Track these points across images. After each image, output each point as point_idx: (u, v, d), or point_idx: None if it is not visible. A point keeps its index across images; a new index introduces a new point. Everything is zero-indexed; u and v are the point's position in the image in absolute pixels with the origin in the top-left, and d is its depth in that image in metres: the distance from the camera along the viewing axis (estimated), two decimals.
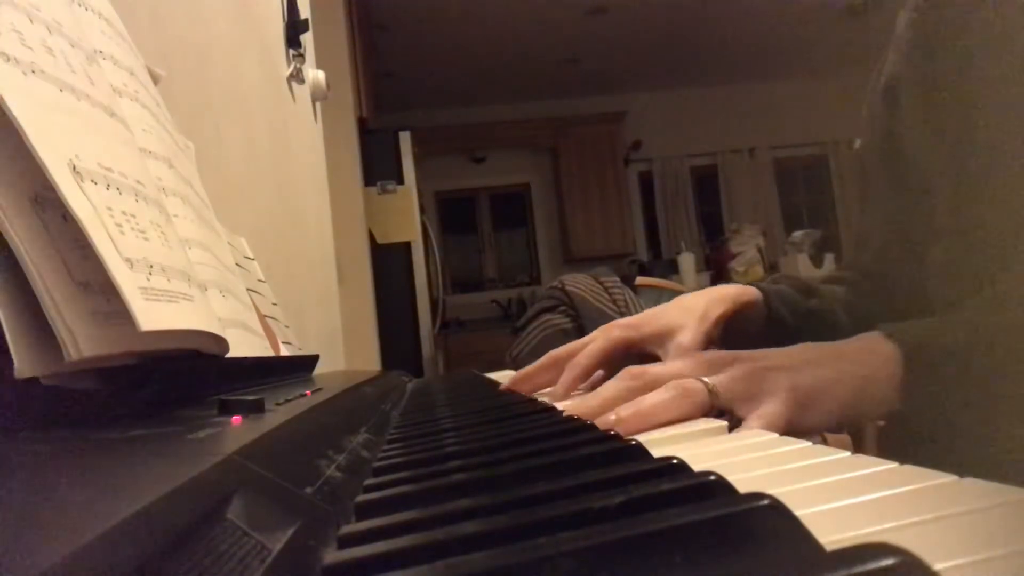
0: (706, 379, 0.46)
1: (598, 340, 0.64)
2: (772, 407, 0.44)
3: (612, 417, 0.43)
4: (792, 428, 0.43)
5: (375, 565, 0.19)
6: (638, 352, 0.66)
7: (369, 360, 2.92)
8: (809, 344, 0.50)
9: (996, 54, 0.52)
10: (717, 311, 0.66)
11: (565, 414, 0.46)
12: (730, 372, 0.46)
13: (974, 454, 0.47)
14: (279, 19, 1.58)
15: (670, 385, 0.45)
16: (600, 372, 0.64)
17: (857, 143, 0.79)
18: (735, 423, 0.44)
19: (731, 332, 0.68)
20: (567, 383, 0.62)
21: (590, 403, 0.47)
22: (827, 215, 5.93)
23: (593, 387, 0.59)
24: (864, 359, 0.48)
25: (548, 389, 0.66)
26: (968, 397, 0.45)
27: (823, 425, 0.47)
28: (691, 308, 0.66)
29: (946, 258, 0.58)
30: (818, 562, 0.15)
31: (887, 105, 0.65)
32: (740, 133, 5.86)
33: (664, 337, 0.64)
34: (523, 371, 0.69)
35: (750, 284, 0.71)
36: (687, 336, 0.63)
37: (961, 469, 0.23)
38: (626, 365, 0.52)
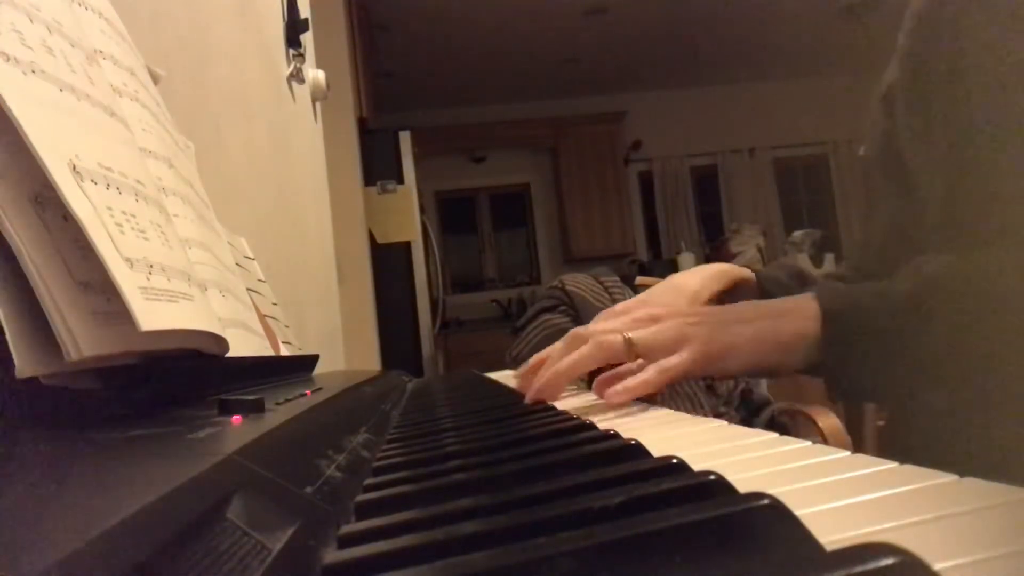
0: (629, 334, 0.53)
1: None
2: (674, 359, 0.52)
3: (531, 393, 0.54)
4: (706, 374, 0.54)
5: (375, 565, 0.19)
6: None
7: (369, 360, 2.92)
8: (754, 302, 0.58)
9: (987, 63, 0.53)
10: (709, 290, 0.68)
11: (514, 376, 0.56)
12: (657, 327, 0.54)
13: (973, 453, 0.47)
14: (279, 19, 1.58)
15: (591, 342, 0.53)
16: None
17: (862, 149, 0.81)
18: (738, 420, 0.45)
19: None
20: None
21: (529, 363, 0.58)
22: (827, 215, 5.93)
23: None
24: (792, 316, 0.54)
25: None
26: (883, 360, 0.51)
27: (735, 373, 0.58)
28: (682, 287, 0.68)
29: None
30: (818, 562, 0.15)
31: (886, 112, 0.66)
32: (740, 133, 5.86)
33: None
34: (528, 364, 0.69)
35: (744, 268, 0.74)
36: None
37: (961, 469, 0.23)
38: None
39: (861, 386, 0.55)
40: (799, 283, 0.73)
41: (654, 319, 0.55)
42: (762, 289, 0.71)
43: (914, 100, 0.61)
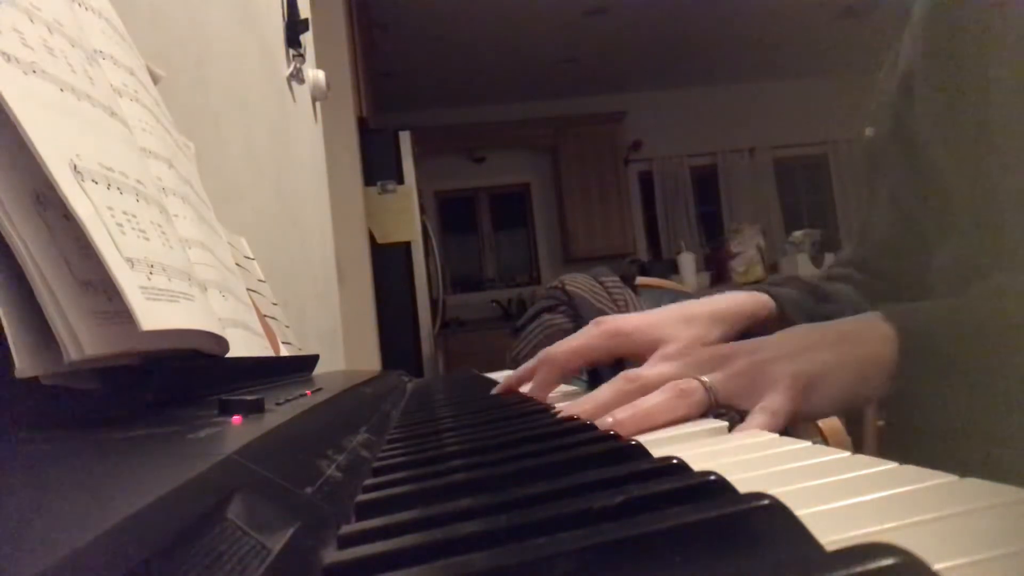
0: (703, 378, 0.46)
1: (580, 338, 0.60)
2: (775, 398, 0.44)
3: (609, 420, 0.42)
4: (797, 416, 0.44)
5: (375, 565, 0.19)
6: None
7: (369, 360, 2.92)
8: (807, 326, 0.51)
9: (1021, 41, 0.49)
10: (720, 329, 0.60)
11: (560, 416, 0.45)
12: (726, 369, 0.46)
13: (974, 453, 0.47)
14: (279, 19, 1.58)
15: (667, 387, 0.45)
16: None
17: (869, 131, 0.73)
18: (738, 420, 0.43)
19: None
20: (544, 381, 0.60)
21: (583, 406, 0.47)
22: (827, 215, 5.93)
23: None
24: (864, 340, 0.47)
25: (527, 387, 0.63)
26: (960, 384, 0.45)
27: (827, 410, 0.47)
28: (693, 321, 0.60)
29: (958, 254, 0.56)
30: (819, 562, 0.15)
31: (902, 95, 0.62)
32: (740, 133, 5.86)
33: (656, 350, 0.58)
34: (516, 372, 0.66)
35: (757, 286, 0.66)
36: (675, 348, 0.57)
37: (961, 469, 0.23)
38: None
39: (935, 417, 0.49)
40: (816, 299, 0.66)
41: (717, 359, 0.48)
42: (784, 318, 0.62)
43: (937, 85, 0.57)
